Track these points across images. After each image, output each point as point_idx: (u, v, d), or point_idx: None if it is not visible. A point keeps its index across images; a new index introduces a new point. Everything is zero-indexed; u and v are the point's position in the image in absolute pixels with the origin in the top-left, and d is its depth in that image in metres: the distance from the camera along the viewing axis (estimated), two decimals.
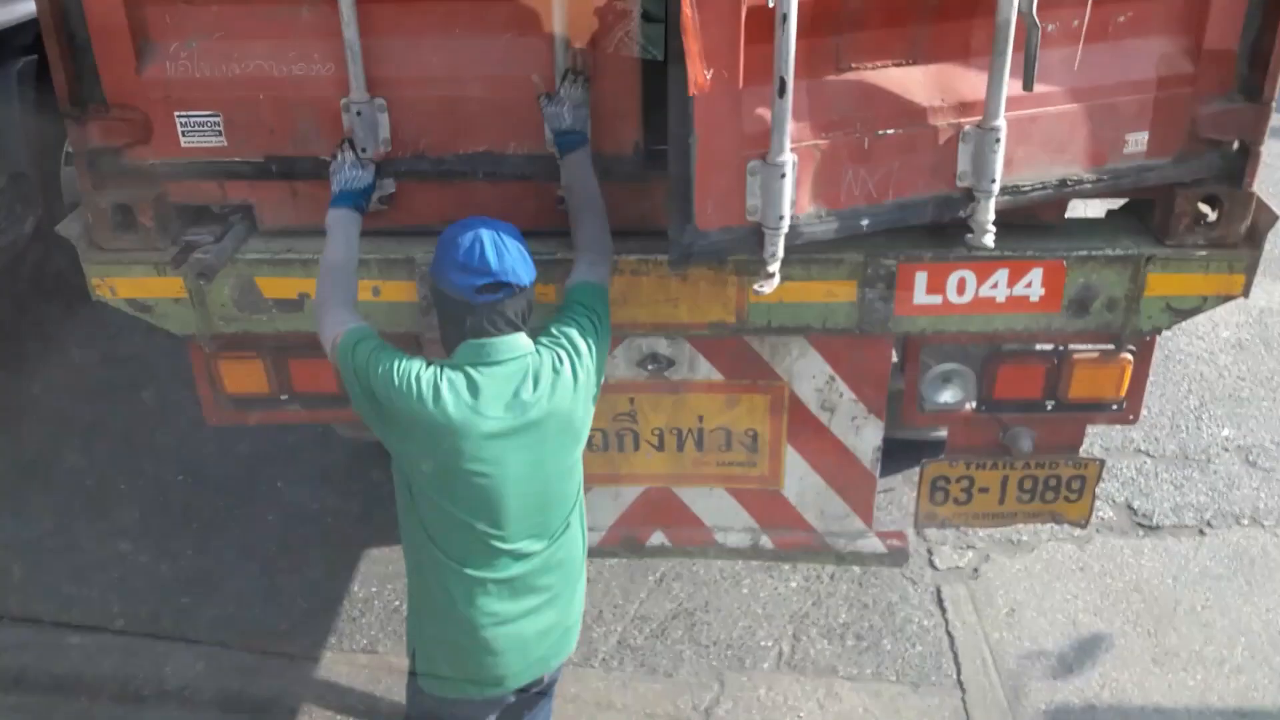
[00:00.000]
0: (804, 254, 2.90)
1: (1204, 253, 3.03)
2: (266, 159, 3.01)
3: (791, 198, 2.56)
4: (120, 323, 5.33)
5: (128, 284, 3.13)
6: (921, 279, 3.03)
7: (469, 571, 2.66)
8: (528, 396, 2.57)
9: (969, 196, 2.76)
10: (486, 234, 2.54)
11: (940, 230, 2.96)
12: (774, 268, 2.63)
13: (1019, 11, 2.46)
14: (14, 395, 5.47)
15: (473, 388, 2.53)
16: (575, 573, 2.88)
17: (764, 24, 2.37)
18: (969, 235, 2.80)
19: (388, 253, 3.05)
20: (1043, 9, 2.57)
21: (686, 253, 2.60)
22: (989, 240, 2.77)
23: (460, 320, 2.57)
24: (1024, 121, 2.73)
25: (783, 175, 2.51)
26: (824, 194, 2.66)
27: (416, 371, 2.52)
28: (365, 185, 2.90)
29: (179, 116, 2.98)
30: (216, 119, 2.97)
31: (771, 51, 2.37)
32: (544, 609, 2.79)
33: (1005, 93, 2.59)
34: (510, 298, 2.55)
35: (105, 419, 5.33)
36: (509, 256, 2.54)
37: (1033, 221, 3.10)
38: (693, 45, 2.27)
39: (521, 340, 2.60)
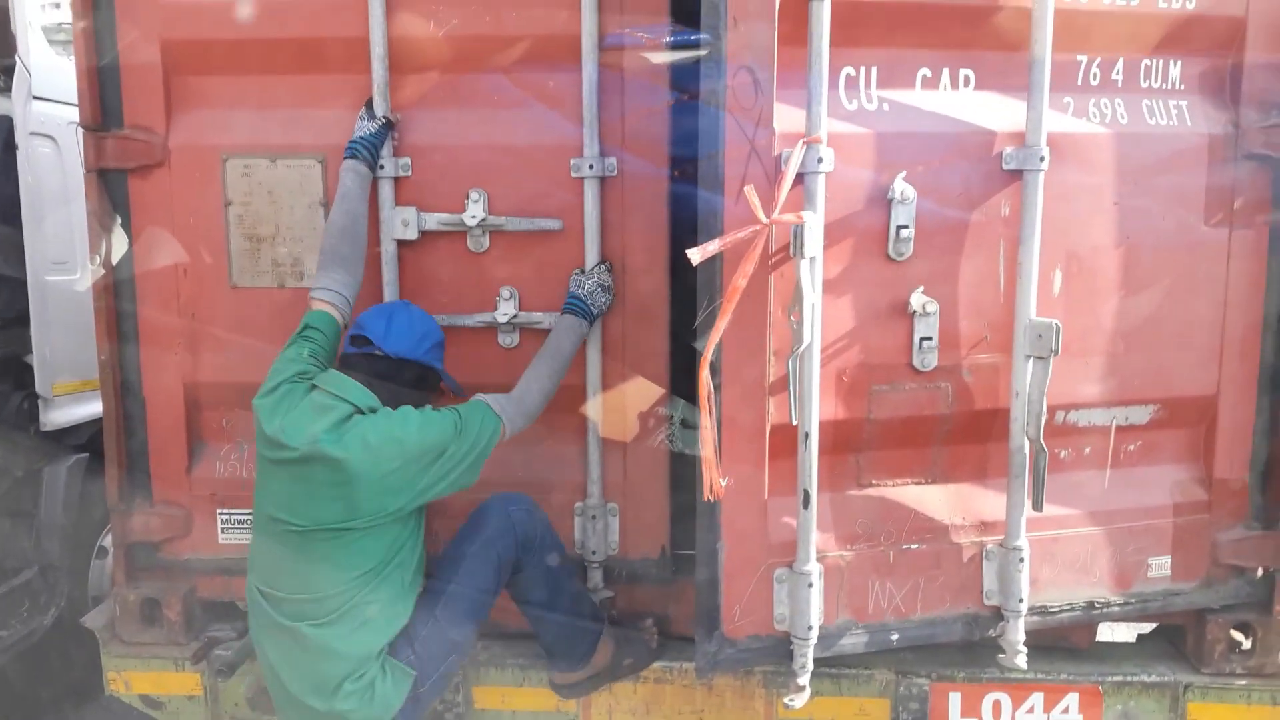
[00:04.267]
0: (834, 668, 2.86)
1: (1244, 682, 2.95)
2: None
3: (819, 608, 2.57)
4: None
5: (144, 679, 3.09)
6: (955, 700, 2.94)
7: (249, 582, 2.73)
8: (321, 433, 2.50)
9: (998, 615, 2.75)
10: (395, 306, 2.76)
11: (973, 649, 2.92)
12: (804, 680, 2.58)
13: (1028, 438, 2.60)
14: None
15: (297, 402, 2.57)
16: (334, 678, 2.58)
17: (788, 440, 2.51)
18: (1001, 655, 2.76)
19: None
20: (1054, 436, 2.73)
21: (714, 661, 2.57)
22: (1021, 661, 2.73)
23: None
24: (1046, 542, 2.78)
25: (810, 584, 2.54)
26: (852, 606, 2.67)
27: (284, 365, 2.64)
28: (372, 134, 2.82)
29: (221, 514, 3.09)
30: None
31: (795, 465, 2.49)
32: (295, 673, 2.62)
33: (1025, 514, 2.67)
34: (368, 356, 2.64)
35: None
36: (391, 325, 2.66)
37: (1064, 644, 3.06)
38: (709, 454, 2.41)
39: (357, 390, 2.57)
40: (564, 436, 2.99)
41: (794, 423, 2.46)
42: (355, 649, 2.58)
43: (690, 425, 2.87)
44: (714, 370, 2.42)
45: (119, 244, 2.98)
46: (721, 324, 2.36)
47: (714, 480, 2.42)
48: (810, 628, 2.56)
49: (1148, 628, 3.30)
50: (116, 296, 3.01)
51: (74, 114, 3.09)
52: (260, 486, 2.64)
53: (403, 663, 2.64)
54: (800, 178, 2.40)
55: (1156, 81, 2.75)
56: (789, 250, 2.42)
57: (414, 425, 2.54)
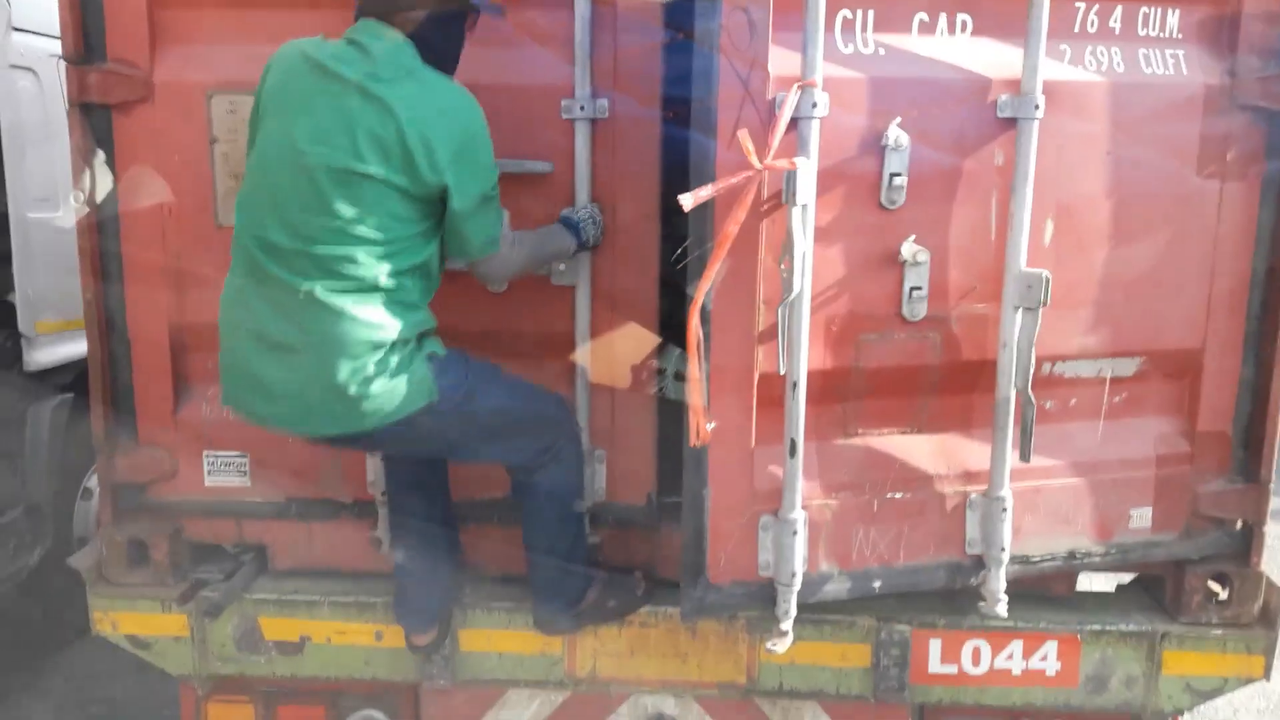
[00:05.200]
0: (816, 614, 2.88)
1: (1219, 631, 3.00)
2: (287, 500, 3.09)
3: (804, 555, 2.59)
4: (109, 663, 5.20)
5: (131, 619, 3.09)
6: (936, 646, 2.98)
7: (238, 238, 2.56)
8: (376, 69, 2.42)
9: (980, 564, 2.78)
10: None
11: (954, 597, 2.95)
12: (787, 625, 2.61)
13: (1015, 389, 2.60)
14: None
15: (329, 44, 2.51)
16: (337, 351, 2.44)
17: (776, 389, 2.52)
18: (982, 603, 2.80)
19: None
20: (1041, 387, 2.73)
21: (699, 606, 2.60)
22: (1002, 609, 2.76)
23: None
24: (1029, 493, 2.80)
25: (794, 532, 2.55)
26: (836, 553, 2.69)
27: None
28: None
29: (207, 455, 3.08)
30: (244, 459, 3.08)
31: (783, 414, 2.49)
32: (301, 339, 2.45)
33: (1009, 464, 2.68)
34: None
35: None
36: None
37: (1044, 593, 3.10)
38: (696, 400, 2.42)
39: (394, 37, 2.48)
40: (551, 382, 2.97)
41: (782, 372, 2.46)
42: (381, 320, 2.45)
43: (680, 374, 2.86)
44: (705, 317, 2.42)
45: (103, 181, 2.93)
46: (712, 270, 2.35)
47: (700, 426, 2.43)
48: (794, 574, 2.59)
49: (1127, 578, 3.35)
50: (101, 235, 2.96)
51: (56, 46, 3.02)
52: (275, 120, 2.49)
53: (433, 378, 2.55)
54: (794, 123, 2.37)
55: (1154, 30, 2.72)
56: (781, 197, 2.40)
57: (479, 125, 2.49)
